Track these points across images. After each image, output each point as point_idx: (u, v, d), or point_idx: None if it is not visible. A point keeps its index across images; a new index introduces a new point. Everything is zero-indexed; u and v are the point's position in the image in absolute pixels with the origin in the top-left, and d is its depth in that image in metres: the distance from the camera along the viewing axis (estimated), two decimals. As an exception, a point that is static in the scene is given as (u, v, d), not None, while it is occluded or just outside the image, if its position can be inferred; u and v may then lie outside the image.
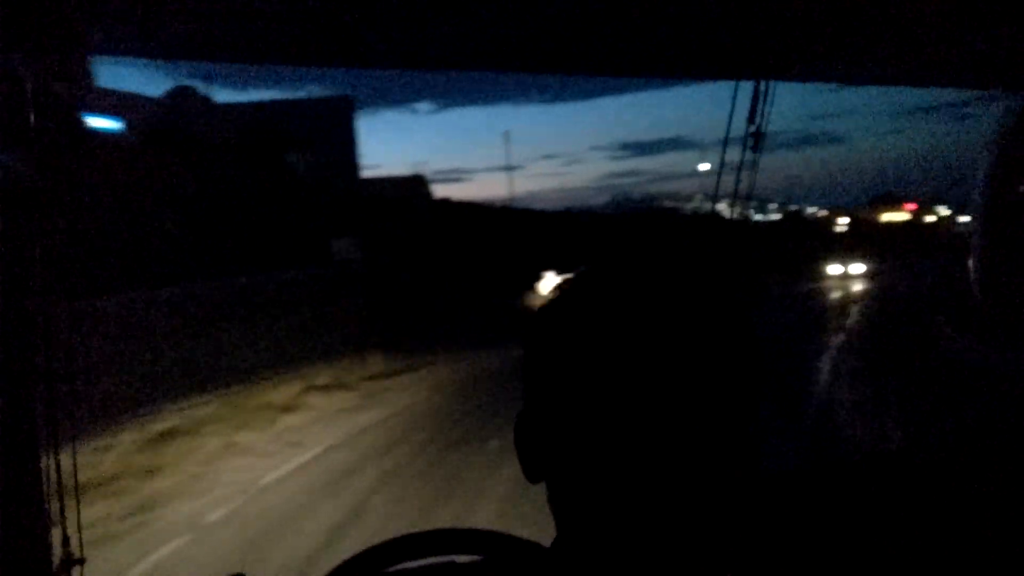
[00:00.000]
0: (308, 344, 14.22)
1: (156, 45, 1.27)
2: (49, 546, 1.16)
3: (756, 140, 1.58)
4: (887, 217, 66.12)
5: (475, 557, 0.88)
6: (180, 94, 23.21)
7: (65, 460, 1.14)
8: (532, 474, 0.60)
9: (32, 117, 1.10)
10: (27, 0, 1.04)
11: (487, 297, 21.08)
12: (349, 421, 10.40)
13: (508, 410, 3.77)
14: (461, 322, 18.17)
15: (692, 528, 0.53)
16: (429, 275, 20.50)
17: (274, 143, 22.52)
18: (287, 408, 11.15)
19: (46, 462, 1.15)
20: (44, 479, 1.14)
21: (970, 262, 1.43)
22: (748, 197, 1.71)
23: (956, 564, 1.52)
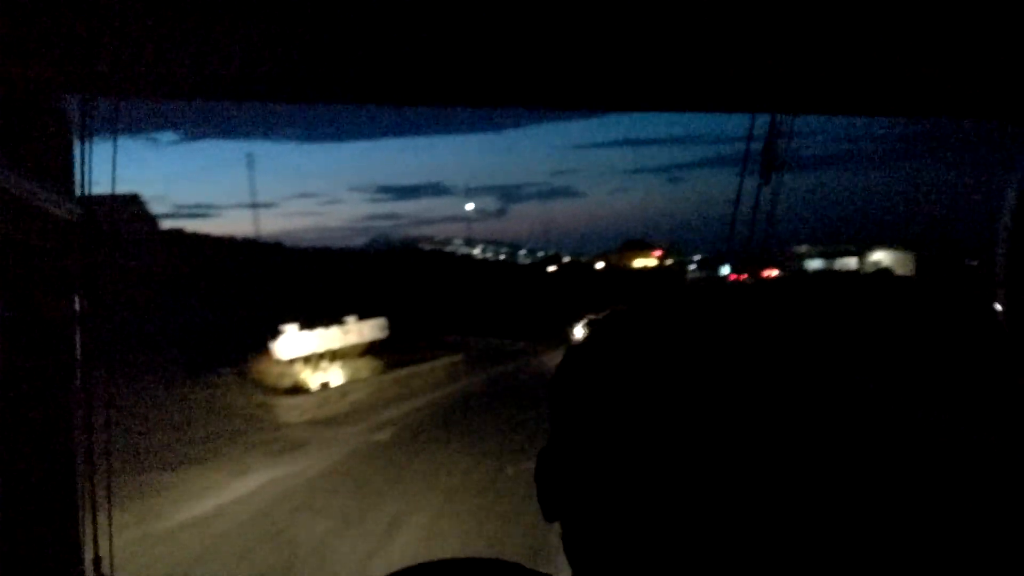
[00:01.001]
0: None
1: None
2: (82, 566, 1.13)
3: (767, 173, 1.50)
4: (639, 262, 73.73)
5: None
6: None
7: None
8: (550, 513, 0.58)
9: (79, 163, 1.12)
10: (79, 45, 1.03)
11: (199, 363, 15.94)
12: None
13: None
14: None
15: None
16: (131, 324, 15.46)
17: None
18: None
19: (82, 485, 1.15)
20: (80, 501, 1.14)
21: (998, 298, 1.41)
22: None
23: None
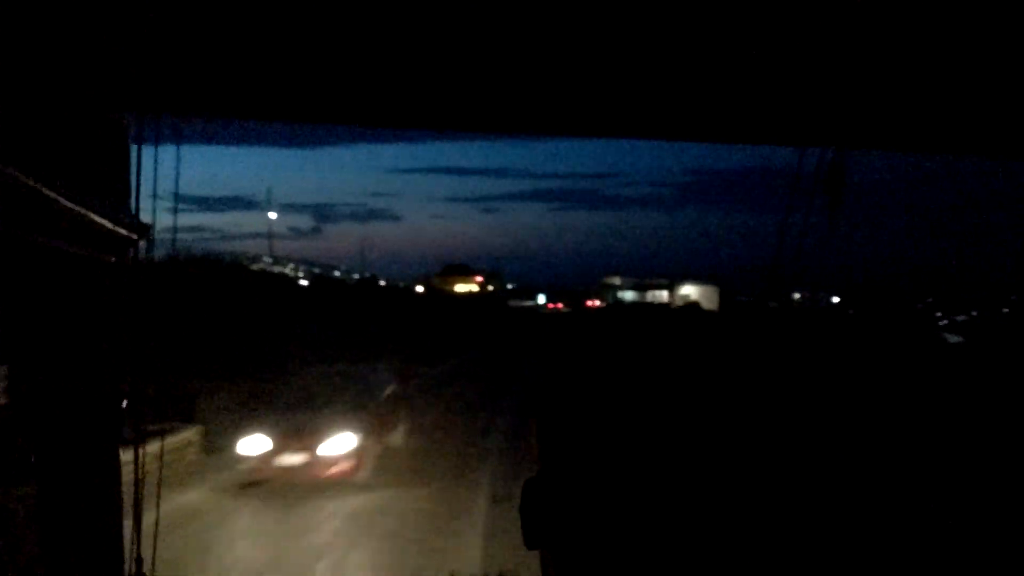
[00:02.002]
0: None
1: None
2: (122, 566, 1.18)
3: (831, 205, 1.61)
4: (461, 287, 78.00)
5: None
6: None
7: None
8: (532, 540, 0.63)
9: (133, 177, 1.13)
10: (134, 65, 1.10)
11: None
12: None
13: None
14: None
15: None
16: None
17: None
18: None
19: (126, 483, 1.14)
20: (121, 502, 1.17)
21: None
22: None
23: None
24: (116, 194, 1.19)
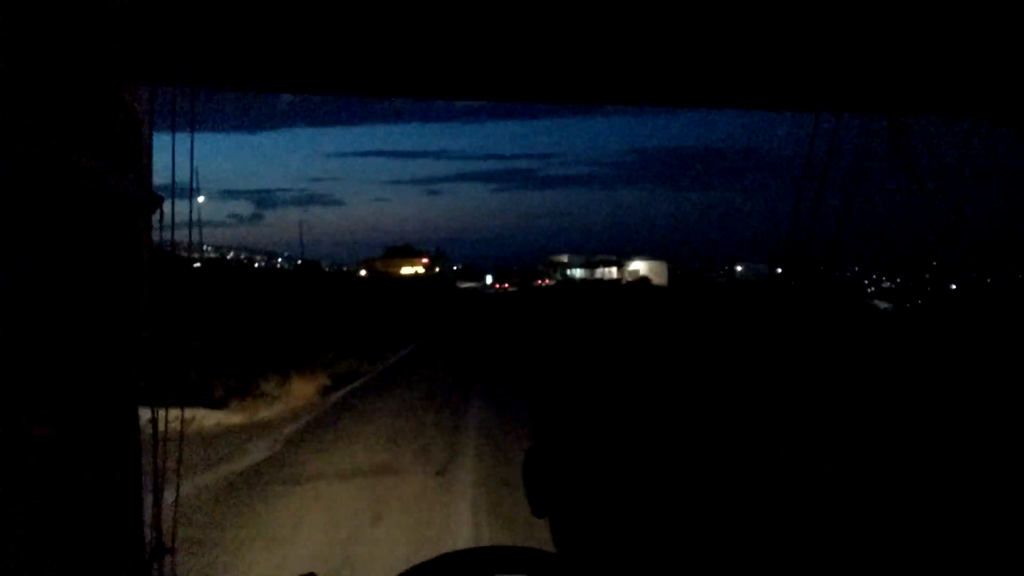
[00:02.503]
0: None
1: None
2: (143, 536, 1.20)
3: (907, 172, 1.58)
4: (407, 269, 75.92)
5: None
6: None
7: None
8: (539, 508, 0.62)
9: (145, 144, 1.19)
10: (142, 36, 1.13)
11: None
12: None
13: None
14: None
15: (697, 561, 0.55)
16: None
17: None
18: None
19: (146, 457, 1.18)
20: (141, 487, 1.18)
21: None
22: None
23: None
24: (129, 166, 1.20)
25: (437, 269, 79.40)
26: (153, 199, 1.25)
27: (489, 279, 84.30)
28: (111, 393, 1.14)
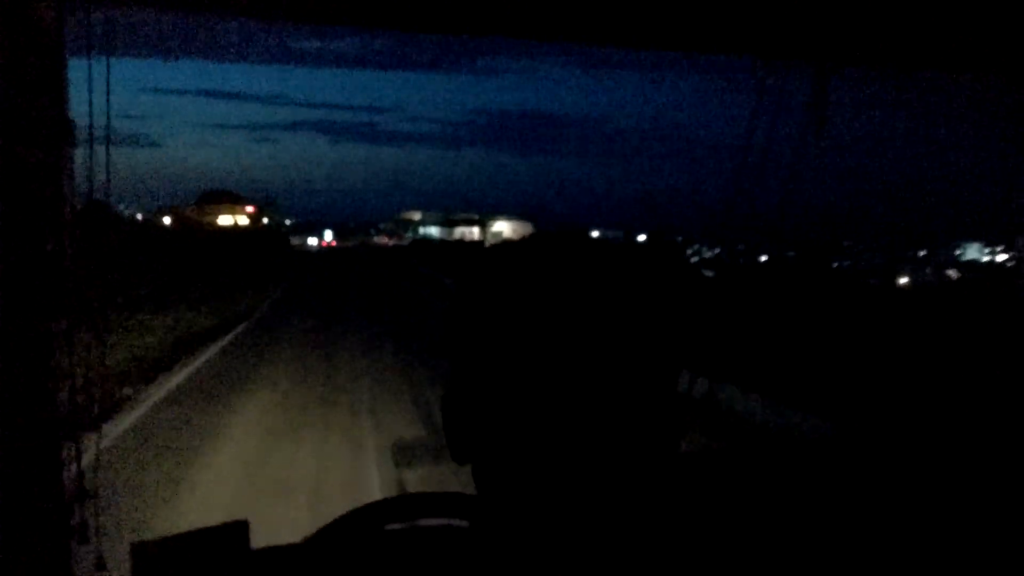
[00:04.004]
0: None
1: None
2: (62, 480, 1.17)
3: (818, 126, 1.59)
4: (225, 220, 62.39)
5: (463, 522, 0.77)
6: None
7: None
8: (460, 455, 0.61)
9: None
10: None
11: None
12: None
13: None
14: None
15: (617, 503, 0.55)
16: None
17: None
18: None
19: (63, 400, 1.14)
20: (62, 418, 1.15)
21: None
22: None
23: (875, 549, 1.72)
24: (46, 94, 1.16)
25: (266, 220, 66.65)
26: (68, 128, 1.19)
27: (329, 235, 73.29)
28: (21, 330, 1.09)
